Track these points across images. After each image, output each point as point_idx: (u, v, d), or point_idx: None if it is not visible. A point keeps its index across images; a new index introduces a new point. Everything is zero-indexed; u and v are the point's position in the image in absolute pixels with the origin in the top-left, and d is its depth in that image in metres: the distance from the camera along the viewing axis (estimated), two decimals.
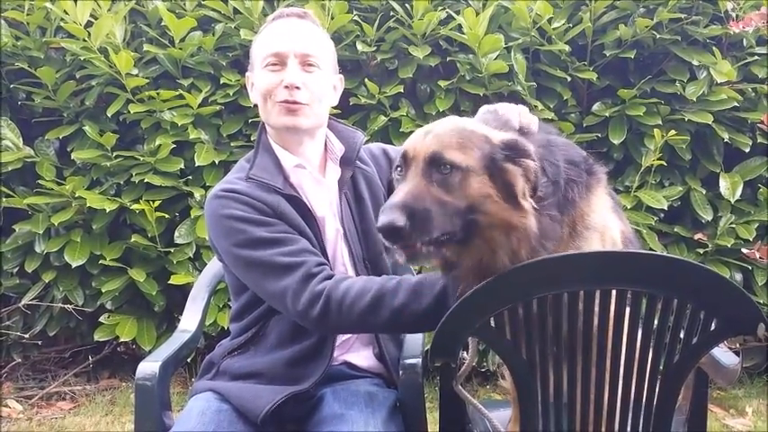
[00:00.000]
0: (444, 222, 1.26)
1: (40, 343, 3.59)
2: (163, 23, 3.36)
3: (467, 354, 1.57)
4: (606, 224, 1.42)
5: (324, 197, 1.77)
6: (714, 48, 3.34)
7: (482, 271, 1.32)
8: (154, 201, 3.21)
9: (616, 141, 3.33)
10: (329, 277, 1.60)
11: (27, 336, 3.46)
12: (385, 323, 1.54)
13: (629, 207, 3.23)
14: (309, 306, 1.55)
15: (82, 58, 3.32)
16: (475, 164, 1.29)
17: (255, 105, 1.79)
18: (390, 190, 1.84)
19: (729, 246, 3.29)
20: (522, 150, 1.31)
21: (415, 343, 1.87)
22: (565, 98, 3.39)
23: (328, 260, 1.71)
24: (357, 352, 1.81)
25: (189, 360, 3.34)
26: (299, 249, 1.62)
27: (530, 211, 1.29)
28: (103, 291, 3.31)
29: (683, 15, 3.33)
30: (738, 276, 3.34)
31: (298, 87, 1.67)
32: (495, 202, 1.28)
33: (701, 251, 3.34)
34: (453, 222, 1.27)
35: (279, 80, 1.68)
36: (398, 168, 1.37)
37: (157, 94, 3.30)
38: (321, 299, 1.54)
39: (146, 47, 3.37)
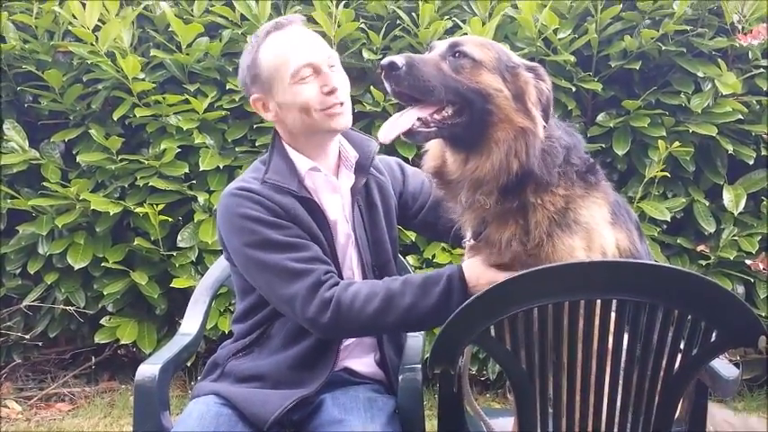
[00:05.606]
0: (437, 88, 1.41)
1: (40, 344, 3.59)
2: (170, 29, 3.38)
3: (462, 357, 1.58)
4: (596, 228, 1.45)
5: (337, 201, 1.77)
6: (719, 60, 3.34)
7: (477, 180, 1.44)
8: (157, 204, 3.22)
9: (620, 152, 3.32)
10: (336, 284, 1.61)
11: (28, 337, 3.46)
12: (394, 323, 1.58)
13: None
14: (319, 313, 1.57)
15: (89, 62, 3.33)
16: (488, 61, 1.44)
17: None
18: (403, 204, 1.86)
19: (732, 258, 3.27)
20: (540, 74, 1.46)
21: (415, 349, 1.88)
22: (569, 108, 3.38)
23: (338, 264, 1.72)
24: (358, 358, 1.81)
25: (189, 363, 3.34)
26: (310, 257, 1.63)
27: (539, 120, 1.40)
28: (105, 293, 3.31)
29: (688, 27, 3.33)
30: (740, 289, 3.32)
31: (338, 88, 1.68)
32: (506, 99, 1.41)
33: (704, 263, 3.32)
34: (446, 94, 1.41)
35: (318, 89, 1.67)
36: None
37: (163, 98, 3.31)
38: (331, 305, 1.57)
39: (153, 52, 3.38)
